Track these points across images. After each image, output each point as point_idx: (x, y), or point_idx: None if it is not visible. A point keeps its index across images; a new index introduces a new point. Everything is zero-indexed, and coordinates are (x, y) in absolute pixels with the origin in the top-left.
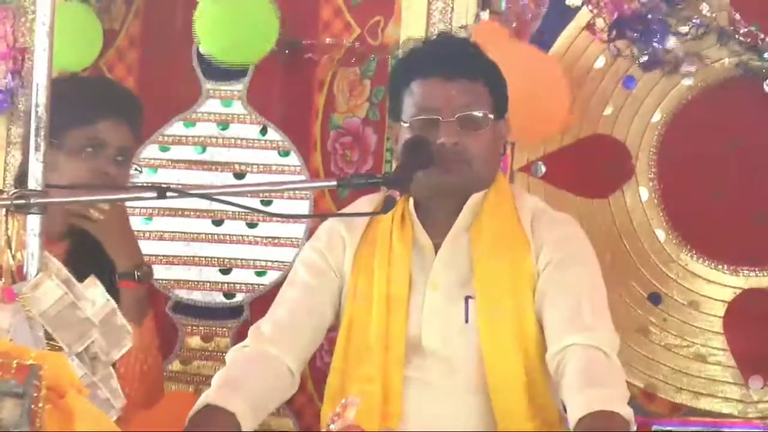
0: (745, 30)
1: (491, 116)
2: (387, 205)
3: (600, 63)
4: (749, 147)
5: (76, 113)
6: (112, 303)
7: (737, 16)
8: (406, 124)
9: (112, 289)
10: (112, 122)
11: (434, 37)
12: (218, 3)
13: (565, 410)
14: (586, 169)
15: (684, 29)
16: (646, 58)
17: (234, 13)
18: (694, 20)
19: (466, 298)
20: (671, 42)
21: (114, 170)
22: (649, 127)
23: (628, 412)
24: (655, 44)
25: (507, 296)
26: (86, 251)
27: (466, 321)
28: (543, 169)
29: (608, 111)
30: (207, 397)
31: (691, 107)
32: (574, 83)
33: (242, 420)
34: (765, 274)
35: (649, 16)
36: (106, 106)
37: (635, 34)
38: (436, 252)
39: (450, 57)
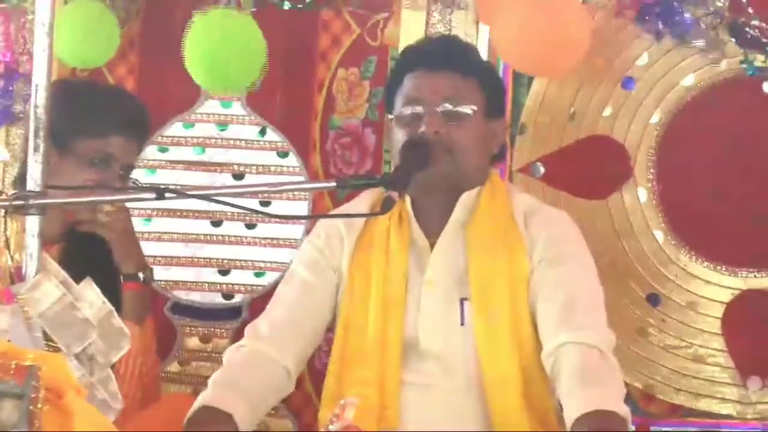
0: (755, 23)
1: (475, 109)
2: (386, 206)
3: (599, 62)
4: (749, 148)
5: (89, 123)
6: (109, 305)
7: (750, 10)
8: (391, 117)
9: (109, 291)
10: (124, 139)
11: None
12: (205, 38)
13: (561, 409)
14: (584, 170)
15: (700, 13)
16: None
17: (222, 47)
18: (708, 10)
19: (462, 300)
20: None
21: (118, 184)
22: (648, 128)
23: (624, 411)
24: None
25: (503, 296)
26: (81, 254)
27: (462, 323)
28: (542, 170)
29: (607, 112)
30: (204, 398)
31: (691, 108)
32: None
33: (239, 421)
34: (764, 275)
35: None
36: (120, 122)
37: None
38: (431, 249)
39: (439, 51)
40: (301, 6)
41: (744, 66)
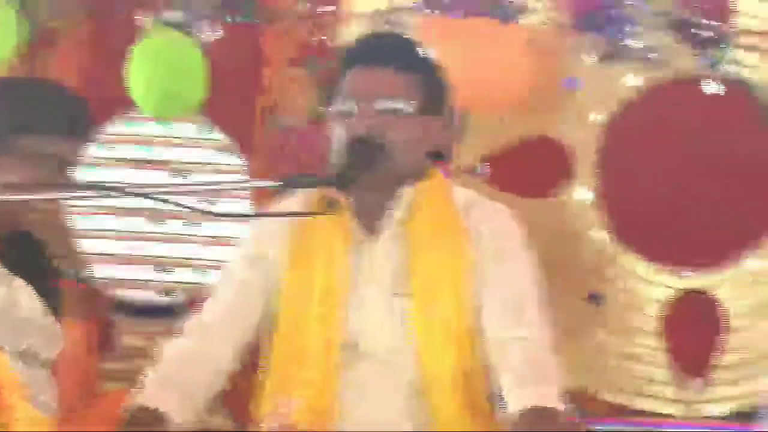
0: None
1: (413, 105)
2: (330, 206)
3: (544, 62)
4: (693, 148)
5: (27, 121)
6: (44, 305)
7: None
8: (330, 111)
9: (45, 290)
10: (63, 137)
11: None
12: (149, 61)
13: (499, 403)
14: (528, 169)
15: (645, 20)
16: (606, 49)
17: (165, 72)
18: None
19: (402, 298)
20: (633, 34)
21: (56, 182)
22: (592, 128)
23: (565, 408)
24: (616, 36)
25: (444, 293)
26: (17, 252)
27: (403, 321)
28: (485, 169)
29: (551, 112)
30: (140, 397)
31: (635, 108)
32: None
33: (175, 418)
34: (704, 275)
35: (611, 10)
36: (60, 119)
37: (597, 27)
38: (372, 247)
39: (379, 46)
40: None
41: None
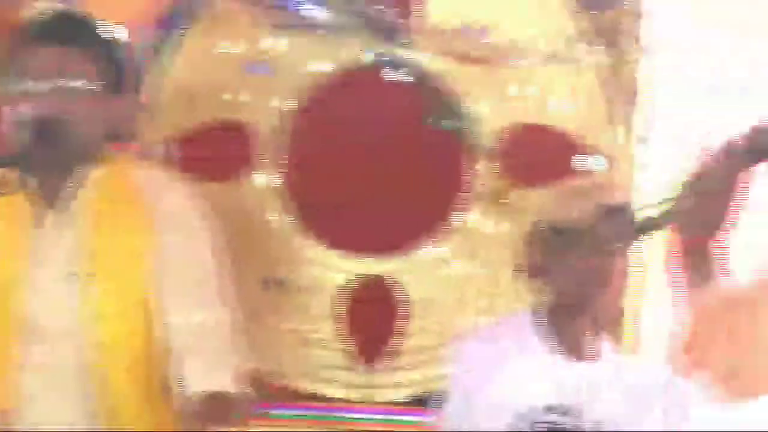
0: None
1: (87, 85)
2: (6, 186)
3: (231, 46)
4: (374, 136)
5: None
6: None
7: None
8: (8, 90)
9: None
10: None
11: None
12: None
13: (177, 387)
14: (210, 152)
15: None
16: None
17: None
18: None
19: (79, 277)
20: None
21: None
22: (277, 113)
23: (241, 392)
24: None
25: (123, 274)
26: None
27: (80, 302)
28: (166, 151)
29: (236, 95)
30: None
31: (319, 95)
32: None
33: None
34: (383, 260)
35: None
36: None
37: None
38: (50, 228)
39: (53, 24)
40: None
41: (377, 57)
